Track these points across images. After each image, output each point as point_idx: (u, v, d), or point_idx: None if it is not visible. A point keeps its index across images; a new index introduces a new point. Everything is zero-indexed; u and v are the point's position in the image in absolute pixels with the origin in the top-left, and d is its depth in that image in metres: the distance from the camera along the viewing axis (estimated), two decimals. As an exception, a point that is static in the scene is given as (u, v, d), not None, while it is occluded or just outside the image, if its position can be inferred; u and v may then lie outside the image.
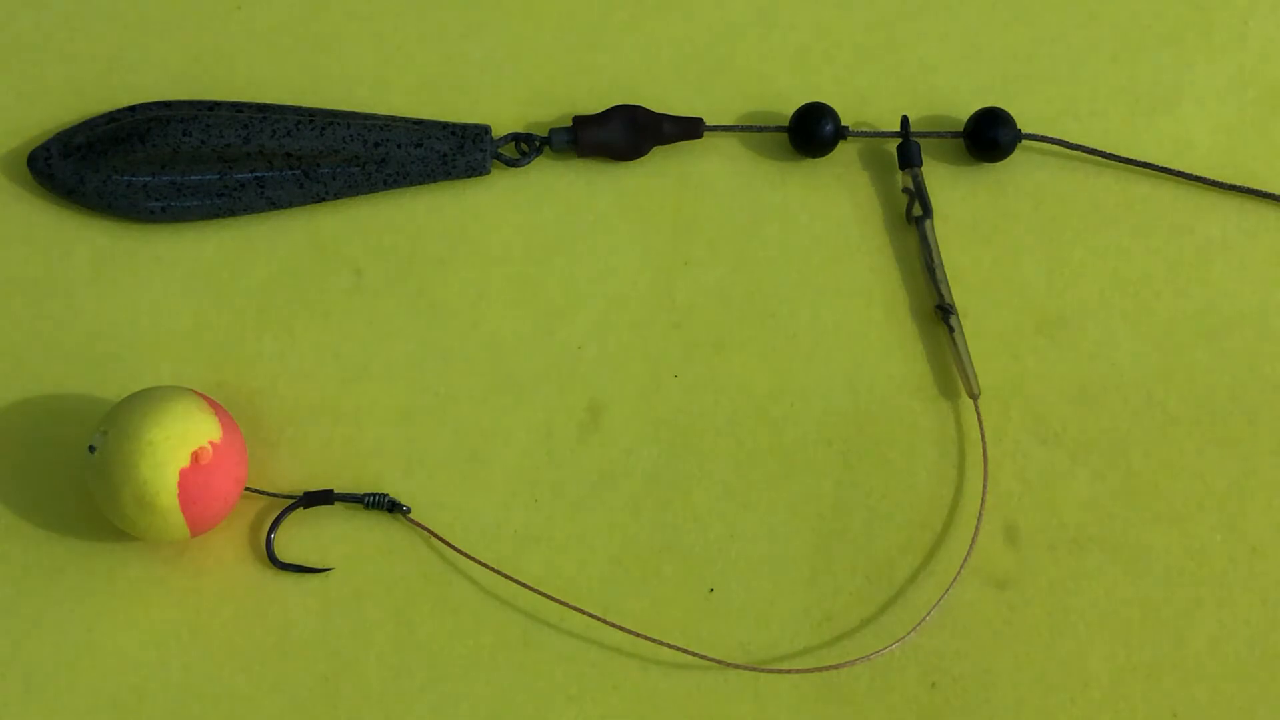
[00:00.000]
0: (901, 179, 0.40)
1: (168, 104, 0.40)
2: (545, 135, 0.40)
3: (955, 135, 0.40)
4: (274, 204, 0.40)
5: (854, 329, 0.39)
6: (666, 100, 0.41)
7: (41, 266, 0.40)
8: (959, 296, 0.38)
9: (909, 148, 0.39)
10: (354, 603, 0.36)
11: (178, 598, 0.36)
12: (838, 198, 0.40)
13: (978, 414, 0.37)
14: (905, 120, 0.40)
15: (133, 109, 0.40)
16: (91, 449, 0.34)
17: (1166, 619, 0.37)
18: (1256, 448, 0.38)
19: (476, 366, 0.39)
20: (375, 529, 0.37)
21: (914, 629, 0.36)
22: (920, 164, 0.39)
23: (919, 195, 0.39)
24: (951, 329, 0.38)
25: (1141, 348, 0.39)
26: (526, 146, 0.40)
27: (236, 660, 0.36)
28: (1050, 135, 0.40)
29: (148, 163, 0.39)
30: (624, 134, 0.40)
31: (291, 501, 0.36)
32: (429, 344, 0.39)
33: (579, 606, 0.36)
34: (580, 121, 0.40)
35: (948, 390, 0.38)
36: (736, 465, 0.38)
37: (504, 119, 0.41)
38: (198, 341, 0.39)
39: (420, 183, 0.40)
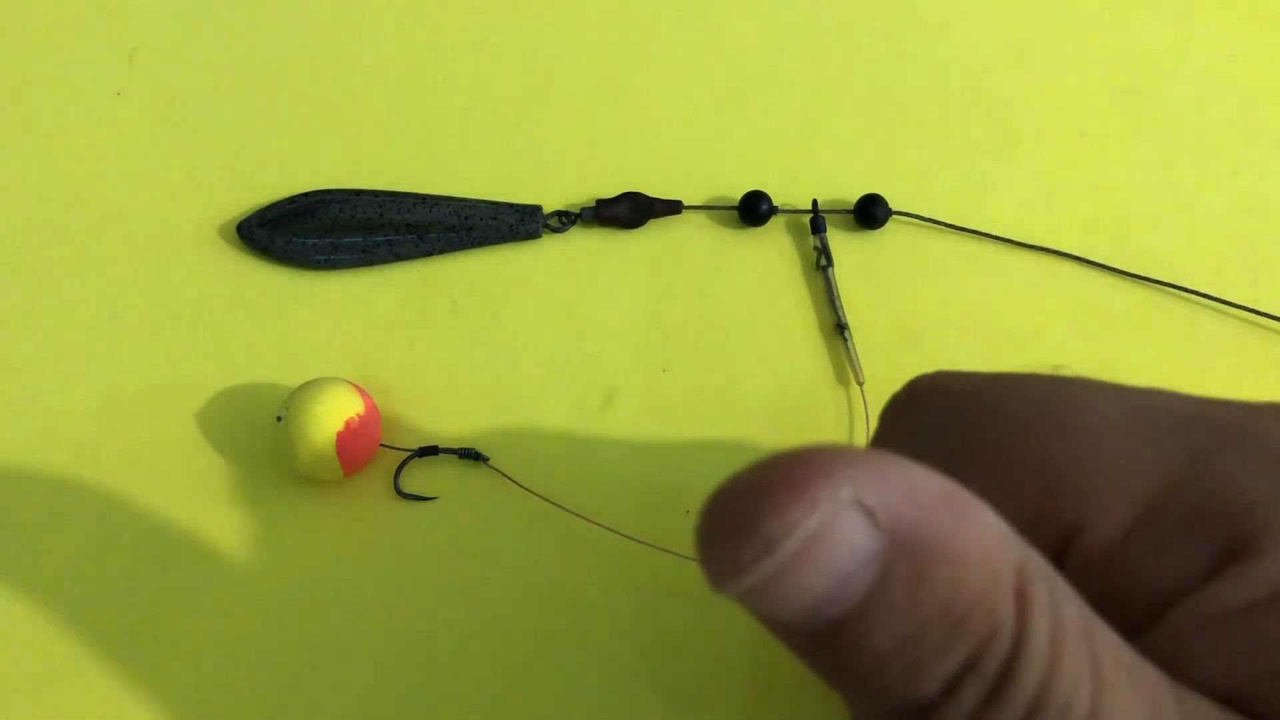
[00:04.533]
0: (813, 240, 0.42)
1: (329, 191, 0.43)
2: (578, 211, 0.42)
3: (847, 211, 0.43)
4: (399, 257, 0.42)
5: (781, 340, 0.42)
6: (658, 187, 0.43)
7: (246, 299, 0.42)
8: (851, 319, 0.42)
9: (818, 220, 0.42)
10: (451, 521, 0.39)
11: (335, 517, 0.39)
12: (771, 253, 0.43)
13: (863, 396, 0.40)
14: (815, 202, 0.43)
15: (305, 194, 0.43)
16: (279, 419, 0.37)
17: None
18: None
19: (532, 364, 0.41)
20: (466, 472, 0.39)
21: (818, 532, 0.37)
22: (825, 230, 0.42)
23: (824, 251, 0.42)
24: (846, 340, 0.41)
25: (968, 353, 0.42)
26: (565, 219, 0.42)
27: (373, 559, 0.39)
28: (911, 211, 0.43)
29: (315, 230, 0.42)
30: (629, 211, 0.42)
31: (410, 453, 0.39)
32: (501, 350, 0.41)
33: (599, 521, 0.38)
34: (600, 202, 0.42)
35: (844, 380, 0.41)
36: (705, 429, 0.40)
37: (550, 200, 0.43)
38: (348, 347, 0.42)
39: (495, 243, 0.42)
